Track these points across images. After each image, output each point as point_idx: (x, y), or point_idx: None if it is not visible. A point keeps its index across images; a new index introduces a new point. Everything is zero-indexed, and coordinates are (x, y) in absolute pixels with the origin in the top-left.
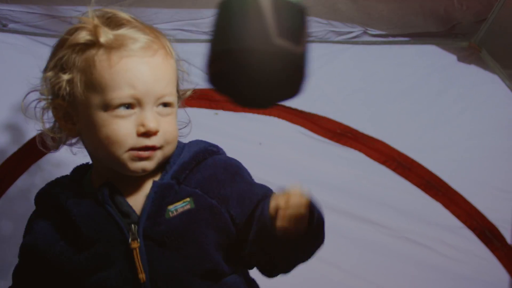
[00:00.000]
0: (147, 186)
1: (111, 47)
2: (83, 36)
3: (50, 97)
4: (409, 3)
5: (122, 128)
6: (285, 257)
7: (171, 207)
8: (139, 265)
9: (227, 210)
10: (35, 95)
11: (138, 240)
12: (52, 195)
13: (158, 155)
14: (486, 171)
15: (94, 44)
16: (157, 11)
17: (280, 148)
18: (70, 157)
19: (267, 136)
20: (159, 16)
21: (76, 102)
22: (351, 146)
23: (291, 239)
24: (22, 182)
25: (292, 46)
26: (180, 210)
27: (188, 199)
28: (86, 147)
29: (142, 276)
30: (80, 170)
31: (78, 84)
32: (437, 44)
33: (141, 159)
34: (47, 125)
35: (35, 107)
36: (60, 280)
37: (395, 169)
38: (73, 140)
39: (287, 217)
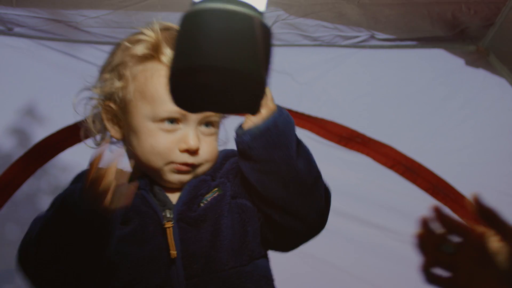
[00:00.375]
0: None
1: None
2: (145, 49)
3: (102, 97)
4: (416, 8)
5: (166, 142)
6: (289, 193)
7: (203, 199)
8: (172, 243)
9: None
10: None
11: (172, 222)
12: None
13: (196, 171)
14: (493, 175)
15: (153, 58)
16: (163, 16)
17: None
18: (76, 161)
19: None
20: (167, 21)
21: (126, 108)
22: (358, 150)
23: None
24: (28, 186)
25: (266, 80)
26: (209, 199)
27: (216, 188)
28: (128, 151)
29: (173, 252)
30: None
31: (132, 92)
32: (445, 48)
33: (180, 172)
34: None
35: (86, 104)
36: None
37: (402, 174)
38: (114, 140)
39: None
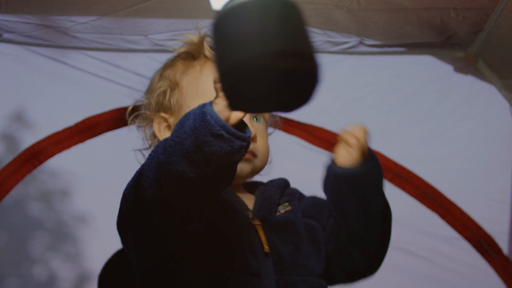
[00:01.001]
0: (252, 193)
1: None
2: (189, 48)
3: (153, 109)
4: (405, 13)
5: None
6: (360, 227)
7: (277, 209)
8: (264, 238)
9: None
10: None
11: (259, 222)
12: None
13: (255, 162)
14: (483, 182)
15: (199, 55)
16: (152, 22)
17: (276, 158)
18: (65, 167)
19: None
20: (154, 27)
21: (180, 112)
22: None
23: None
24: (16, 192)
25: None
26: (282, 211)
27: (286, 203)
28: None
29: (266, 247)
30: None
31: (184, 92)
32: (434, 55)
33: (243, 160)
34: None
35: (137, 125)
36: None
37: (391, 180)
38: None
39: (355, 146)
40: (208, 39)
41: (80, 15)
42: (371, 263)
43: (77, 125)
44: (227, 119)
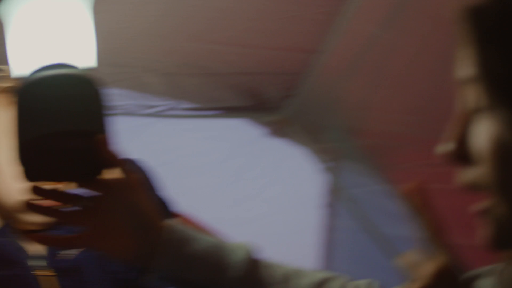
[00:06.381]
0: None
1: None
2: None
3: None
4: (218, 78)
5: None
6: None
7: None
8: None
9: None
10: None
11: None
12: None
13: None
14: (292, 245)
15: None
16: None
17: None
18: None
19: None
20: None
21: None
22: None
23: None
24: None
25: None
26: (61, 256)
27: None
28: None
29: None
30: None
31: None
32: (250, 118)
33: None
34: None
35: None
36: None
37: None
38: None
39: None
40: None
41: None
42: None
43: None
44: None
